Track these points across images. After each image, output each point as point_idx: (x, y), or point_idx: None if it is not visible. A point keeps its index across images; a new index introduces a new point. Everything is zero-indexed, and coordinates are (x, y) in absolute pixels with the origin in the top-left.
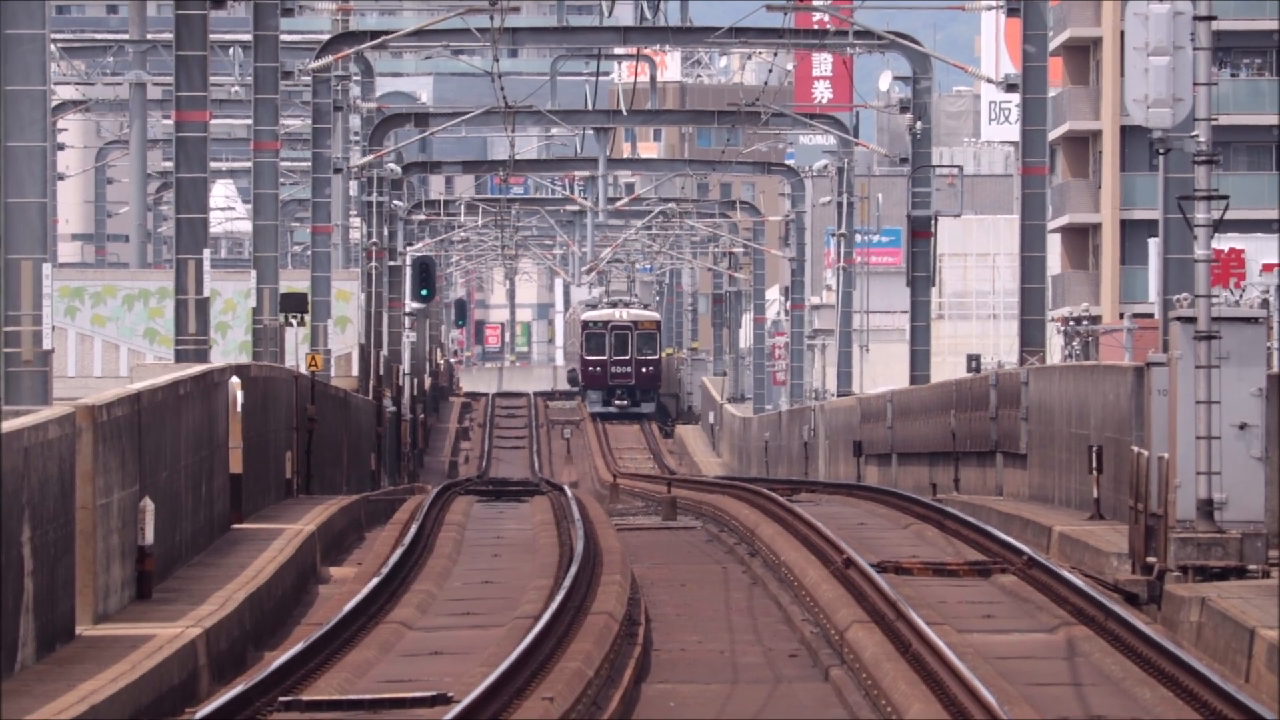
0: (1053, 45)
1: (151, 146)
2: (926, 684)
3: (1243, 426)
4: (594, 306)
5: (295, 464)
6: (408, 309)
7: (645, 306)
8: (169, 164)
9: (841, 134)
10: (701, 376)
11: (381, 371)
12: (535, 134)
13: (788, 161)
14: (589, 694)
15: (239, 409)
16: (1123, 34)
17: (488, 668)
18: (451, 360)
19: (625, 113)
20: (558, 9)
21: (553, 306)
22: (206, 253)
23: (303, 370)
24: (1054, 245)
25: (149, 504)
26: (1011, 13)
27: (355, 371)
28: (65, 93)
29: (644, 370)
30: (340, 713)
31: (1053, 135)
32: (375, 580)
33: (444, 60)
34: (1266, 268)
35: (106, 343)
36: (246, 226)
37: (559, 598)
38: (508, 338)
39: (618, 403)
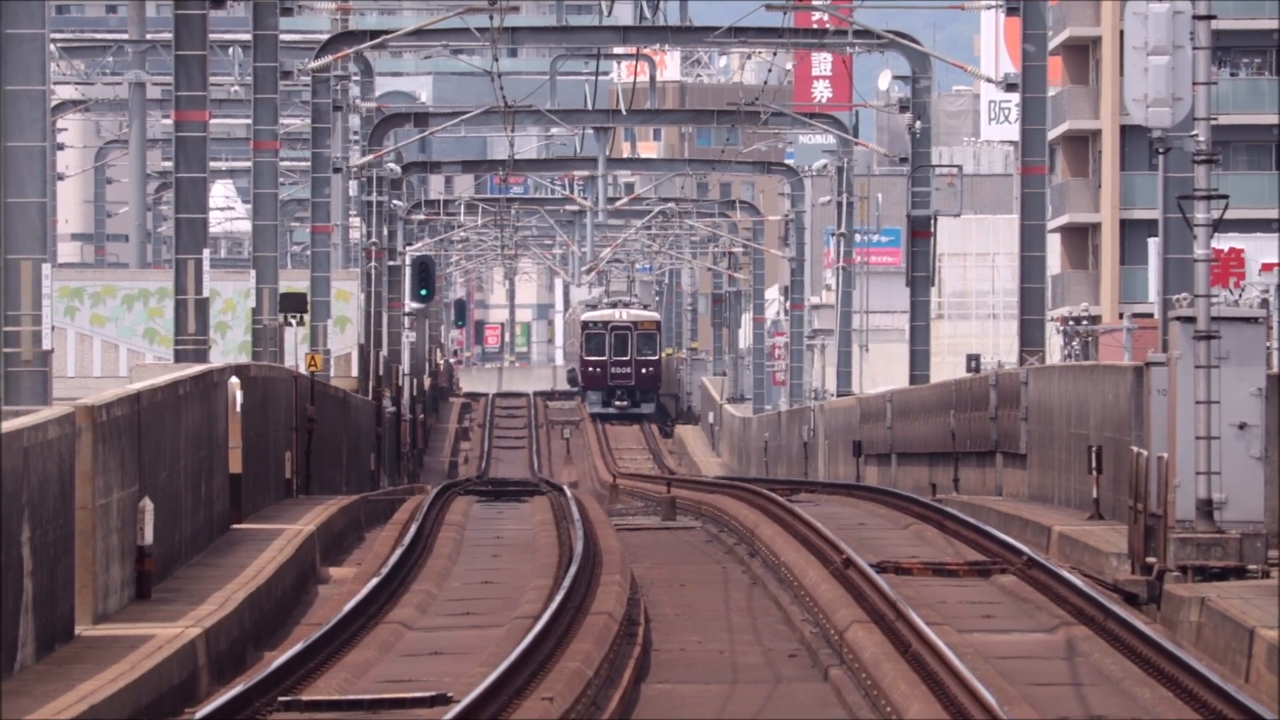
0: (1052, 44)
1: (151, 146)
2: (926, 684)
3: (1242, 426)
4: (594, 307)
5: (295, 464)
6: (407, 309)
7: (645, 307)
8: (169, 164)
9: (841, 134)
10: (701, 376)
11: (381, 372)
12: (535, 134)
13: (787, 161)
14: (589, 694)
15: (238, 409)
16: (1122, 33)
17: (487, 668)
18: (451, 360)
19: (625, 112)
20: (557, 9)
21: (552, 306)
22: (206, 253)
23: (302, 370)
24: (1054, 245)
25: (148, 504)
26: (1011, 12)
27: (355, 372)
28: (65, 93)
29: (644, 371)
30: (340, 713)
31: (1052, 135)
32: (375, 580)
33: (444, 60)
34: (1266, 267)
35: (106, 343)
36: (246, 226)
37: (558, 598)
38: (507, 338)
39: (618, 403)
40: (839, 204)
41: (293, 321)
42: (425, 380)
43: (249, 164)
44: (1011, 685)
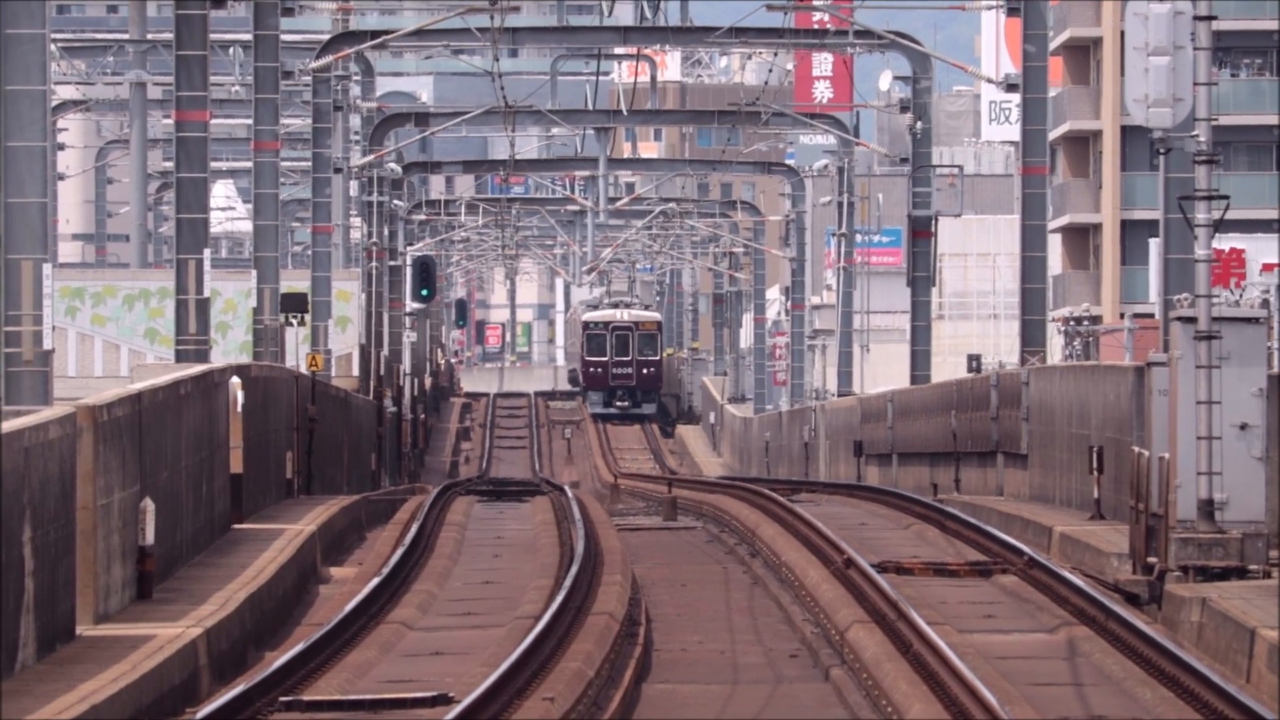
0: (1053, 45)
1: (152, 146)
2: (927, 684)
3: (1243, 426)
4: (595, 307)
5: (296, 464)
6: (408, 309)
7: (646, 307)
8: (169, 164)
9: (842, 134)
10: (702, 376)
11: (382, 371)
12: (535, 134)
13: (788, 161)
14: (590, 694)
15: (239, 409)
16: (1123, 34)
17: (488, 668)
18: (452, 360)
19: (625, 113)
20: (558, 9)
21: (553, 306)
22: (207, 252)
23: (303, 370)
24: (1054, 245)
25: (149, 504)
26: (1012, 12)
27: (356, 371)
28: (65, 92)
29: (645, 371)
30: (341, 713)
31: (1053, 135)
32: (376, 580)
33: (444, 60)
34: (1267, 267)
35: (107, 343)
36: (247, 226)
37: (560, 598)
38: (508, 338)
39: (619, 404)
40: (840, 204)
41: (294, 321)
42: (426, 380)
43: (250, 164)
44: (1012, 685)
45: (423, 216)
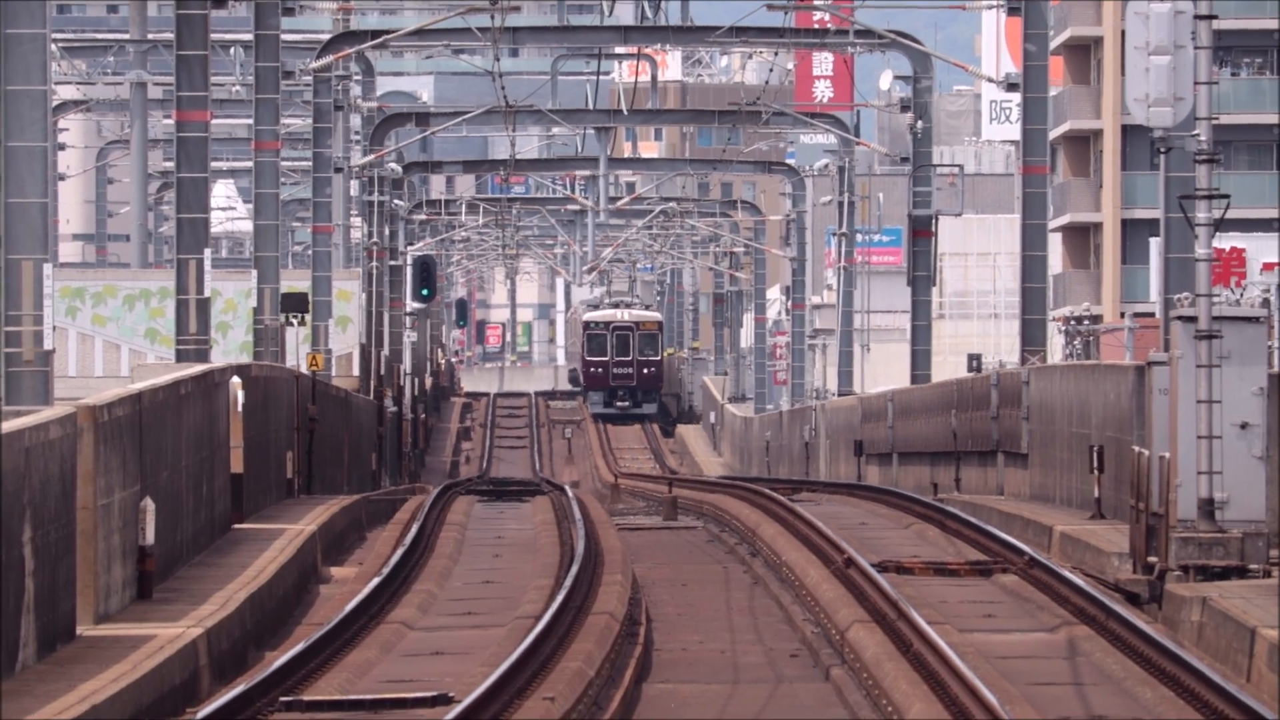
0: (1053, 44)
1: (152, 146)
2: (928, 684)
3: (1244, 426)
4: (595, 306)
5: (296, 464)
6: (408, 309)
7: (647, 307)
8: (170, 164)
9: (842, 133)
10: (702, 376)
11: (382, 371)
12: (536, 133)
13: (788, 161)
14: (590, 694)
15: (240, 409)
16: (1124, 33)
17: (489, 668)
18: (452, 360)
19: (626, 112)
20: (558, 8)
21: (554, 306)
22: (207, 252)
23: (304, 370)
24: (1055, 245)
25: (150, 504)
26: (1012, 12)
27: (356, 371)
28: (66, 92)
29: (645, 371)
30: (341, 713)
31: (1053, 134)
32: (376, 580)
33: (445, 60)
34: (1267, 267)
35: (107, 343)
36: (247, 226)
37: (560, 598)
38: (509, 337)
39: (619, 404)
40: (840, 204)
41: (294, 321)
42: (427, 380)
43: (250, 164)
44: (1013, 685)
45: (423, 216)
